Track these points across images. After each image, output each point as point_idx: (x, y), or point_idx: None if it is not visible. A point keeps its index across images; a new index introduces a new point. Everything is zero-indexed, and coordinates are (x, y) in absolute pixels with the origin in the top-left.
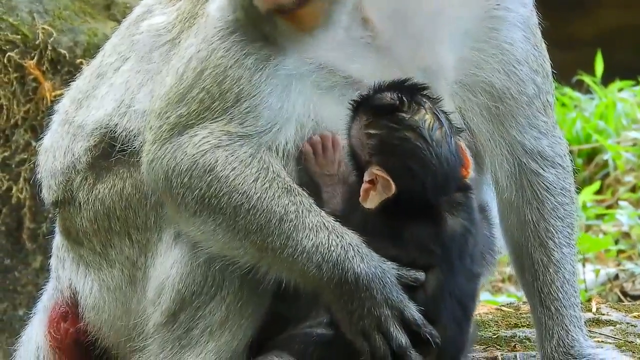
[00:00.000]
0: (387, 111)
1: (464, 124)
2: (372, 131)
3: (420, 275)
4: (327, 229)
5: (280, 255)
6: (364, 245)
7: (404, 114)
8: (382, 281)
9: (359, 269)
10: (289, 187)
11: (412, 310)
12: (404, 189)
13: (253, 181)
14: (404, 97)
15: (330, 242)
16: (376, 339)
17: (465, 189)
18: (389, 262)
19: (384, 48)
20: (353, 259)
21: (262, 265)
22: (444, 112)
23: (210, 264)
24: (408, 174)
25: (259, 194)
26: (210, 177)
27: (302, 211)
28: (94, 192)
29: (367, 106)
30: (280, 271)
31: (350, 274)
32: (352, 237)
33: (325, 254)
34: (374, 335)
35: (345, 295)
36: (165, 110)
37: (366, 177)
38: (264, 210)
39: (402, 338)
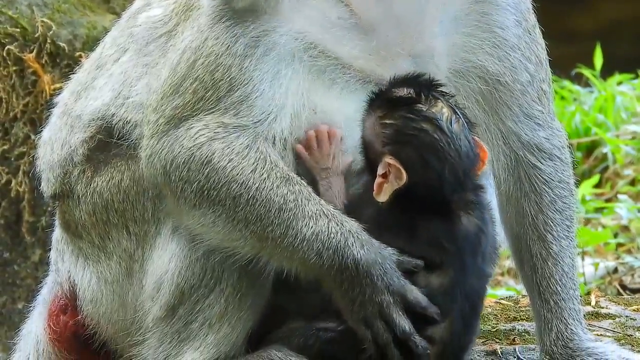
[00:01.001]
0: (405, 103)
1: None
2: (387, 121)
3: (420, 262)
4: (327, 216)
5: (281, 244)
6: (363, 232)
7: (421, 106)
8: (383, 267)
9: (359, 255)
10: (287, 177)
11: (415, 293)
12: (418, 181)
13: (251, 172)
14: (421, 91)
15: (329, 230)
16: (378, 327)
17: (478, 188)
18: (389, 249)
19: (370, 30)
20: (353, 245)
21: (263, 255)
22: (459, 107)
23: (209, 257)
24: (423, 165)
25: (257, 184)
26: (208, 170)
27: (301, 200)
28: (92, 185)
29: (383, 99)
30: (281, 260)
31: (350, 261)
32: (351, 225)
33: (325, 241)
34: (376, 323)
35: (345, 282)
36: (161, 103)
37: (380, 170)
38: (263, 200)
39: (405, 323)
